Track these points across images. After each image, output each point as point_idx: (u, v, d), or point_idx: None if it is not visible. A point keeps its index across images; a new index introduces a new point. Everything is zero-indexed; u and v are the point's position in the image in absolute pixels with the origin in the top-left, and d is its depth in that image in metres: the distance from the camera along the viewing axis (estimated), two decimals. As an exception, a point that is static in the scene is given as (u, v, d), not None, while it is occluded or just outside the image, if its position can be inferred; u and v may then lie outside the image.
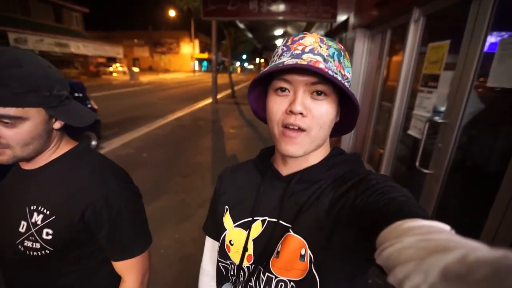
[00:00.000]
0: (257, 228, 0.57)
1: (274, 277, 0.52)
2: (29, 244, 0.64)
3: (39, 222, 0.64)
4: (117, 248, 0.71)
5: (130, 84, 18.85)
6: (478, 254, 0.22)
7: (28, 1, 17.54)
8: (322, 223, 0.49)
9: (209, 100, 11.15)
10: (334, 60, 0.48)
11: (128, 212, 0.70)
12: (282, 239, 0.52)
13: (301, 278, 0.50)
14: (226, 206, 0.64)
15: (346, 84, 0.48)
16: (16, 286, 0.72)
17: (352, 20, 3.92)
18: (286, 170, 0.57)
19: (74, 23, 21.71)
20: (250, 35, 12.55)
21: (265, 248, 0.54)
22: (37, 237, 0.63)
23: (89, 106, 4.56)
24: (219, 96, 12.11)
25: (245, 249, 0.57)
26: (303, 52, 0.48)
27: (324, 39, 0.50)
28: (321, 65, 0.45)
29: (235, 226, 0.60)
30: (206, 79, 25.23)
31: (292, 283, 0.51)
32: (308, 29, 8.34)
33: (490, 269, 0.20)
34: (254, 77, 0.53)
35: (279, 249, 0.52)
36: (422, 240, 0.29)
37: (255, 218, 0.57)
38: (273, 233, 0.54)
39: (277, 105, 0.50)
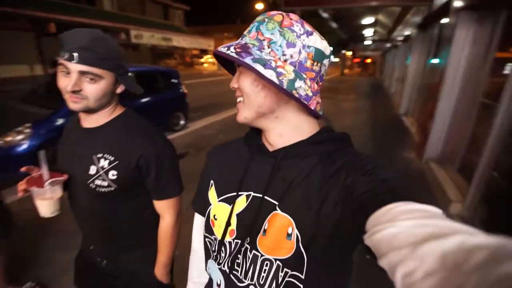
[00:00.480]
0: (241, 203, 0.57)
1: (260, 255, 0.52)
2: (99, 182, 0.84)
3: (105, 166, 0.83)
4: (160, 190, 0.90)
5: (217, 73, 20.66)
6: (475, 240, 0.23)
7: (145, 3, 21.09)
8: (311, 202, 0.49)
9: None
10: (249, 33, 0.52)
11: (170, 163, 0.90)
12: (269, 216, 0.52)
13: (287, 256, 0.50)
14: (212, 181, 0.65)
15: (266, 47, 0.50)
16: (85, 217, 0.95)
17: (454, 2, 3.31)
18: (270, 145, 0.57)
19: (177, 20, 24.98)
20: (334, 25, 11.91)
21: (250, 224, 0.54)
22: (105, 177, 0.83)
23: (180, 90, 5.30)
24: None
25: (228, 224, 0.57)
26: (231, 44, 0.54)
27: (259, 17, 0.54)
28: (224, 48, 0.50)
29: (219, 201, 0.61)
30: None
31: (278, 261, 0.51)
32: (403, 15, 7.37)
33: (487, 254, 0.20)
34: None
35: (266, 227, 0.52)
36: (417, 226, 0.29)
37: (239, 193, 0.57)
38: (258, 208, 0.53)
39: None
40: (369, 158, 0.49)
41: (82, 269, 1.05)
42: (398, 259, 0.27)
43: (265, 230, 0.52)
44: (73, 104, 0.77)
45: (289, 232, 0.49)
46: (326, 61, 0.53)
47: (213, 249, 0.60)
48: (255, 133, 0.63)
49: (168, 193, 0.92)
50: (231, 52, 0.48)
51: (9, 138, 2.90)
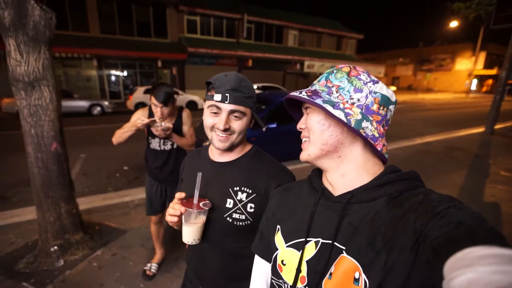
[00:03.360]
0: (311, 249, 0.56)
1: None
2: (236, 216, 0.83)
3: (244, 199, 0.83)
4: None
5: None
6: None
7: (321, 36, 23.19)
8: (378, 247, 0.46)
9: (479, 129, 8.63)
10: (319, 82, 0.60)
11: None
12: (336, 260, 0.51)
13: None
14: (278, 226, 0.65)
15: (334, 92, 0.56)
16: (207, 255, 0.90)
17: None
18: (332, 188, 0.58)
19: (349, 48, 25.58)
20: None
21: (321, 271, 0.53)
22: (243, 210, 0.83)
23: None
24: (499, 125, 8.95)
25: (298, 270, 0.56)
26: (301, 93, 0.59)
27: (327, 70, 0.61)
28: (296, 93, 0.57)
29: (287, 246, 0.60)
30: (485, 103, 19.45)
31: None
32: None
33: None
34: None
35: (332, 271, 0.51)
36: (496, 272, 0.27)
37: (308, 239, 0.57)
38: (327, 255, 0.52)
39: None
40: (441, 198, 0.46)
41: None
42: None
43: (331, 274, 0.51)
44: (220, 143, 0.82)
45: (356, 277, 0.48)
46: (391, 107, 0.57)
47: None
48: (318, 177, 0.64)
49: None
50: (303, 95, 0.55)
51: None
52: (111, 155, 5.45)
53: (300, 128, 0.61)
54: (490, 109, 8.22)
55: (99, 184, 4.05)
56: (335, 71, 0.58)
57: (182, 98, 12.70)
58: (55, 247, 2.27)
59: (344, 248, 0.51)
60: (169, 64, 16.26)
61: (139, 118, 1.84)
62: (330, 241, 0.53)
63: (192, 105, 12.99)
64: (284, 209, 0.66)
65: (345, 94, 0.55)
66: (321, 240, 0.55)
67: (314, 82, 0.61)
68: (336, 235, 0.52)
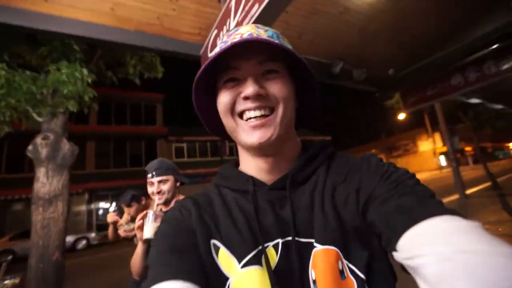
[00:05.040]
0: (272, 257, 0.42)
1: None
2: None
3: None
4: None
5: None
6: None
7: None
8: (343, 222, 0.42)
9: (454, 197, 9.18)
10: (275, 40, 0.45)
11: None
12: (311, 260, 0.41)
13: None
14: (214, 241, 0.45)
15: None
16: None
17: None
18: (269, 176, 0.49)
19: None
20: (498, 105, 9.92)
21: (293, 277, 0.41)
22: None
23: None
24: (470, 190, 9.63)
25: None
26: (242, 38, 0.43)
27: (260, 25, 0.48)
28: (265, 37, 0.43)
29: (242, 267, 0.42)
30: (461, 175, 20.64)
31: None
32: None
33: None
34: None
35: (314, 277, 0.40)
36: (461, 252, 0.27)
37: (266, 244, 0.43)
38: (295, 255, 0.42)
39: (228, 95, 0.45)
40: (376, 159, 0.48)
41: None
42: None
43: (314, 281, 0.40)
44: (159, 200, 1.43)
45: (340, 267, 0.40)
46: None
47: None
48: (235, 169, 0.53)
49: None
50: (287, 44, 0.45)
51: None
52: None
53: (257, 93, 0.43)
54: (454, 177, 9.08)
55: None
56: (281, 36, 0.48)
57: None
58: None
59: (312, 240, 0.42)
60: (158, 187, 17.02)
61: (112, 215, 2.37)
62: (290, 238, 0.43)
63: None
64: (211, 220, 0.47)
65: (296, 54, 0.48)
66: (280, 241, 0.43)
67: (260, 34, 0.45)
68: (295, 227, 0.43)
